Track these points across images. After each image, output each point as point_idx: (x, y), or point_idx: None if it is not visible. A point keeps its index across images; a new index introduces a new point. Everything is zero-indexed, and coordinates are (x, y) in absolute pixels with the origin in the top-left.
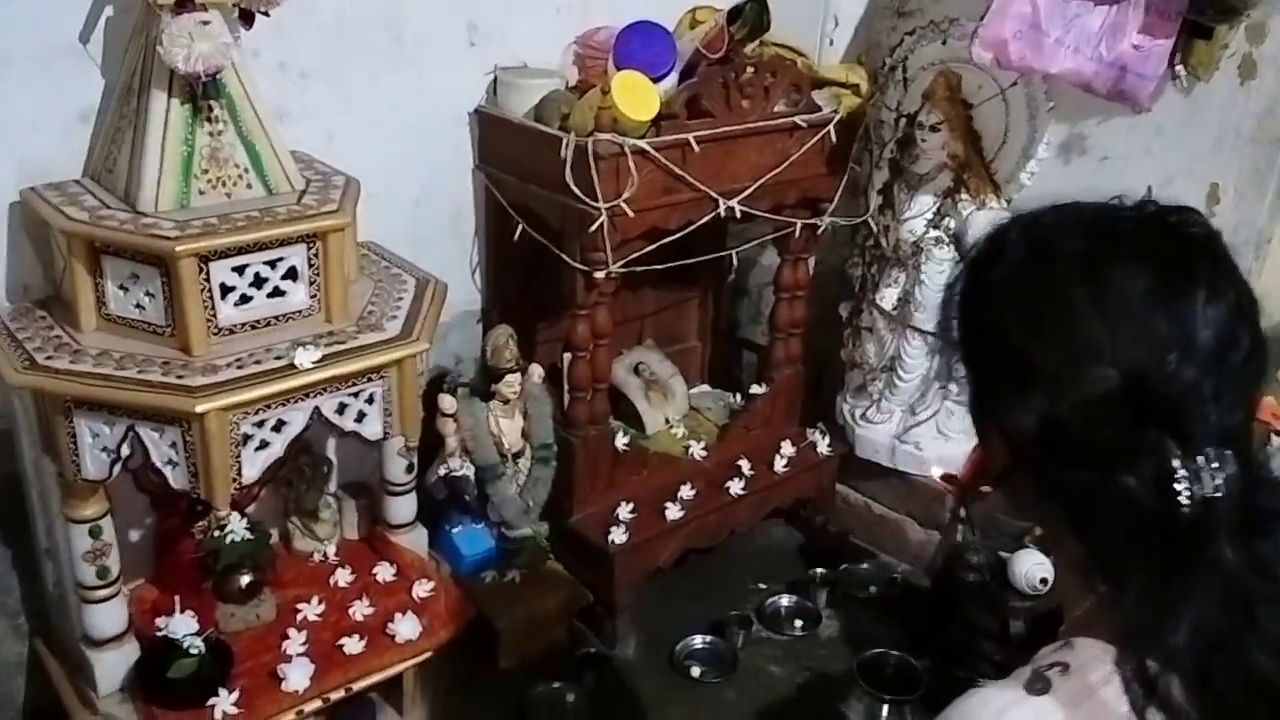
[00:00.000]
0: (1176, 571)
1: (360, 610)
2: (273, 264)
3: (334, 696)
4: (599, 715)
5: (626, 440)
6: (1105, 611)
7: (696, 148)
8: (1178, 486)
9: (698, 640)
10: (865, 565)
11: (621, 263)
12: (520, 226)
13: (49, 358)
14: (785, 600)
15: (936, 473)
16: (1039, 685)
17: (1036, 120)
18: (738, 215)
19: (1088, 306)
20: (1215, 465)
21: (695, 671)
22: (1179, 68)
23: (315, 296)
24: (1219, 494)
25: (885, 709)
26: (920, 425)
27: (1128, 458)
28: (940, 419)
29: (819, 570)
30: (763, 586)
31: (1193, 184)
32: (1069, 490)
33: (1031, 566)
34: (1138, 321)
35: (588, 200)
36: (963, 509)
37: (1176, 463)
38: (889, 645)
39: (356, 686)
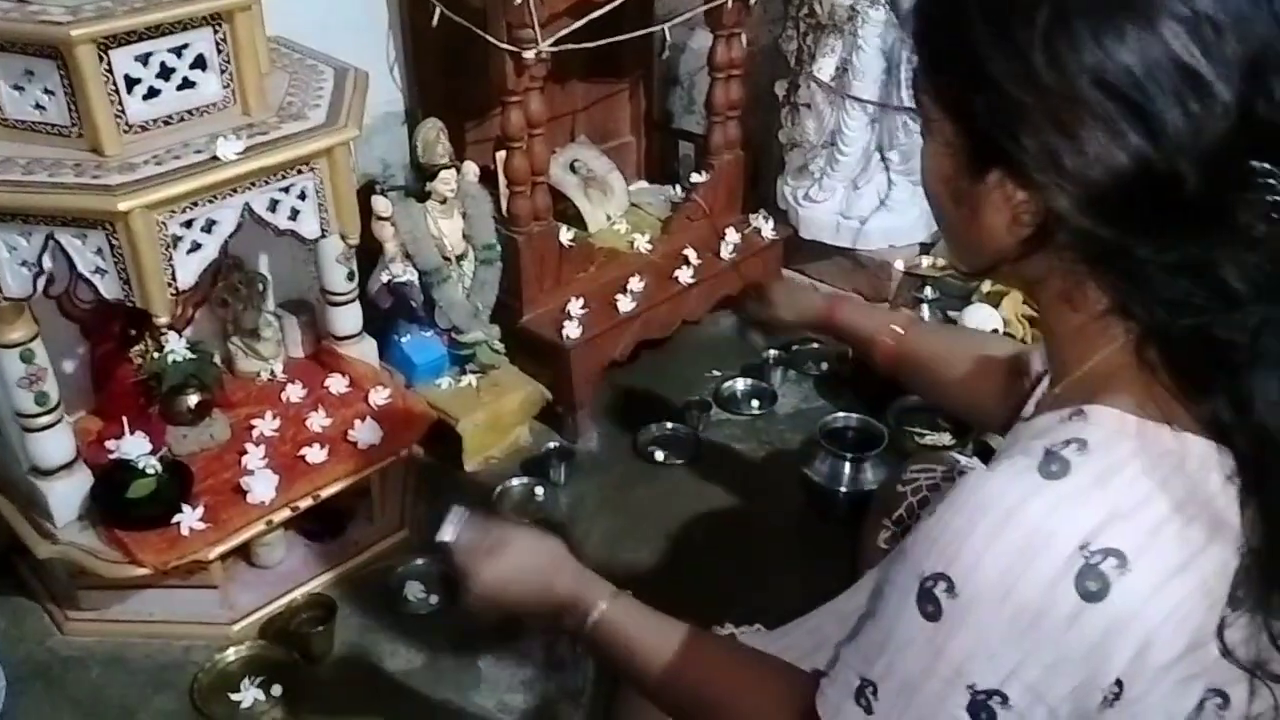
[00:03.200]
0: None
1: (317, 421)
2: (179, 52)
3: (302, 505)
4: (568, 505)
5: (571, 236)
6: (1140, 364)
7: None
8: None
9: (658, 427)
10: (815, 344)
11: (551, 40)
12: (438, 10)
13: None
14: (741, 384)
15: (899, 266)
16: (1055, 468)
17: None
18: None
19: (1182, 36)
20: None
21: (659, 456)
22: None
23: (229, 87)
24: None
25: (848, 466)
26: (863, 200)
27: (1237, 194)
28: (882, 191)
29: (771, 351)
30: (717, 373)
31: None
32: (1128, 237)
33: (982, 320)
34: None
35: None
36: (926, 288)
37: None
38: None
39: (324, 494)
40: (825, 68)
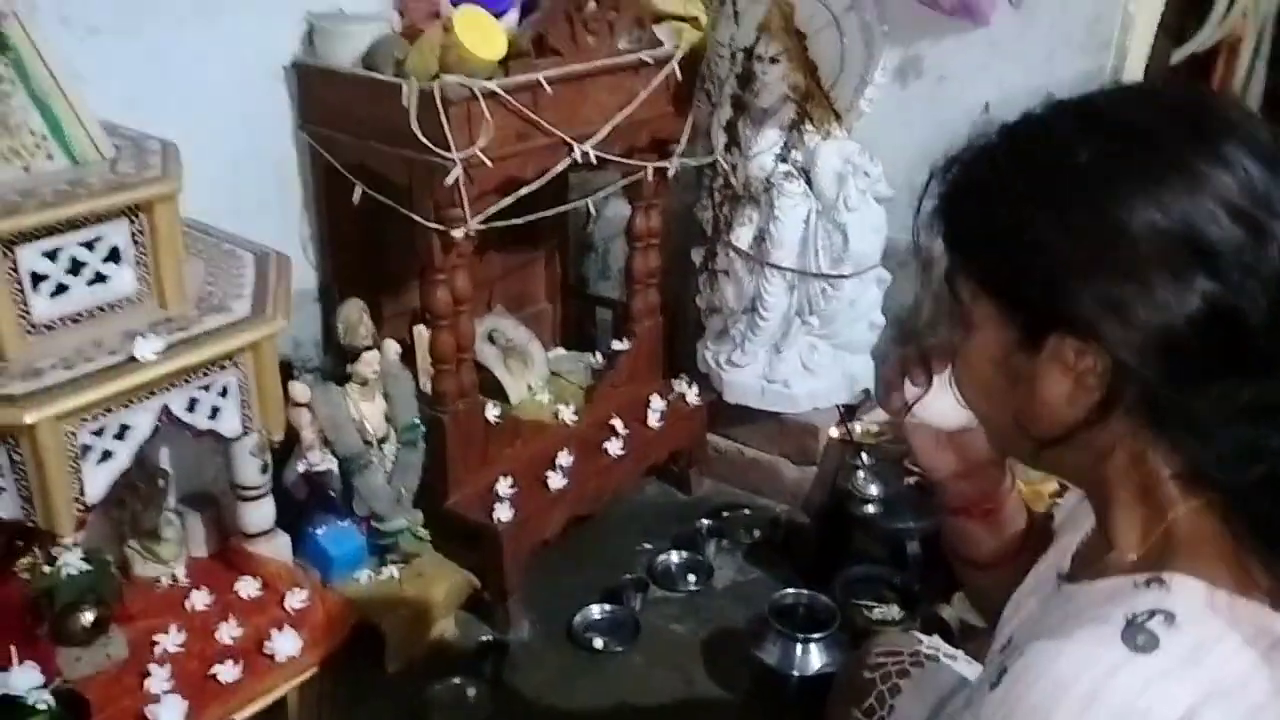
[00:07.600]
0: None
1: (228, 632)
2: (90, 245)
3: None
4: (503, 705)
5: (498, 412)
6: (1221, 528)
7: (549, 88)
8: None
9: (595, 611)
10: (746, 510)
11: (480, 218)
12: (359, 189)
13: None
14: (675, 557)
15: (834, 433)
16: (1142, 639)
17: (872, 46)
18: (593, 161)
19: (1213, 173)
20: None
21: (598, 643)
22: None
23: (145, 279)
24: None
25: (799, 647)
26: (786, 363)
27: None
28: (804, 354)
29: (703, 521)
30: (649, 546)
31: (1029, 98)
32: (1200, 397)
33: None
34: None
35: (440, 151)
36: (862, 454)
37: None
38: (781, 586)
39: (238, 718)
40: (743, 236)
